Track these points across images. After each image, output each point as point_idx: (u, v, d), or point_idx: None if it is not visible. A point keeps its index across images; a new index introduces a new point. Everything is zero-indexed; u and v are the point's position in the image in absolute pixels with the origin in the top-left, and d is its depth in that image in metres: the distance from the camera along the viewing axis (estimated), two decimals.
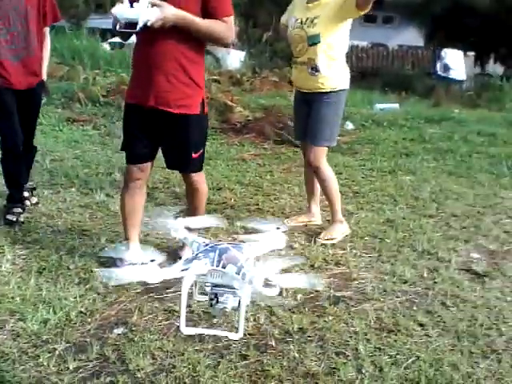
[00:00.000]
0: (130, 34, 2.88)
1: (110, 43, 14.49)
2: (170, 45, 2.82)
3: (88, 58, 10.34)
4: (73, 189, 4.52)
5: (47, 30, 3.83)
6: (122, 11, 2.67)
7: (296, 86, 3.90)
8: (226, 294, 2.51)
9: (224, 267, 2.50)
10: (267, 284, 2.45)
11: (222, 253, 2.52)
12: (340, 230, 3.85)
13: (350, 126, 7.24)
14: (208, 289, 2.54)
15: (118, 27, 2.72)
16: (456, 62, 16.29)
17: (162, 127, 2.99)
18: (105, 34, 14.05)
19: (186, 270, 2.44)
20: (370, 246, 3.71)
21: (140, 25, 2.65)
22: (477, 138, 7.08)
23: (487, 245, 3.85)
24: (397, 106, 8.85)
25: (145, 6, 2.66)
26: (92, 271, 3.09)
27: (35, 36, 3.67)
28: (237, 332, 2.59)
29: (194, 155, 3.07)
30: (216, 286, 2.50)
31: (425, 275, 3.31)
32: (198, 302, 2.90)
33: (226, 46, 3.15)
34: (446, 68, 15.37)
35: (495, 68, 14.43)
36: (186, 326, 2.52)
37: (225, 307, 2.57)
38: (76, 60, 10.21)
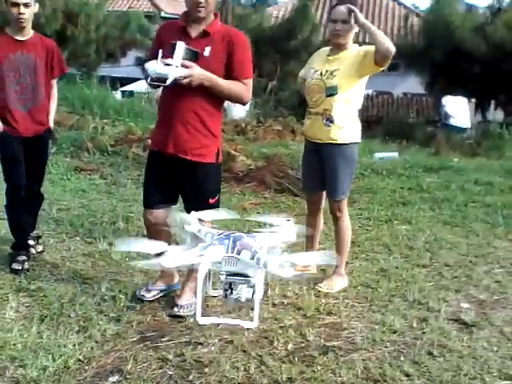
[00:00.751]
0: (159, 86, 3.15)
1: (120, 92, 14.91)
2: (191, 98, 3.12)
3: (98, 107, 10.62)
4: (77, 237, 4.68)
5: (54, 81, 4.07)
6: (155, 67, 2.95)
7: (307, 136, 4.00)
8: (239, 285, 2.66)
9: (239, 253, 2.65)
10: (282, 266, 2.58)
11: (236, 240, 2.68)
12: (340, 283, 3.97)
13: None
14: (223, 277, 2.68)
15: (149, 80, 3.02)
16: (459, 110, 16.52)
17: (179, 174, 3.26)
18: (115, 82, 14.49)
19: (202, 256, 2.59)
20: (363, 296, 3.82)
21: (169, 81, 2.94)
22: (474, 187, 7.21)
23: (477, 295, 3.94)
24: (396, 154, 9.02)
25: (177, 64, 2.95)
26: (91, 319, 3.23)
27: (43, 87, 3.92)
28: (251, 321, 2.72)
29: (211, 201, 3.31)
30: (230, 274, 2.65)
31: (414, 325, 3.41)
32: (213, 296, 3.07)
33: (243, 104, 3.43)
34: (447, 116, 15.62)
35: (495, 114, 14.65)
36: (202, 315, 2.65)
37: (239, 297, 2.71)
38: (86, 109, 10.50)
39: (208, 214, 3.03)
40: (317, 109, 3.81)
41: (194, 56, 3.03)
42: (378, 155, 8.66)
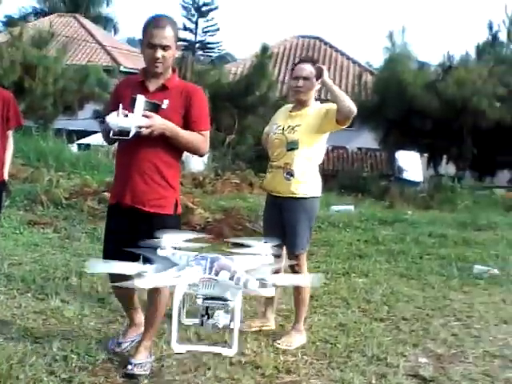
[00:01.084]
0: (121, 140, 3.12)
1: (76, 145, 14.81)
2: (149, 149, 3.12)
3: (53, 160, 10.51)
4: (29, 294, 4.52)
5: (10, 132, 4.02)
6: (116, 120, 2.95)
7: (268, 190, 4.03)
8: (217, 311, 2.57)
9: (217, 274, 2.58)
10: (263, 285, 2.52)
11: (214, 261, 2.62)
12: (299, 340, 3.91)
13: None
14: (199, 301, 2.59)
15: (111, 134, 3.01)
16: (411, 164, 16.98)
17: (137, 225, 3.19)
18: (71, 135, 14.40)
19: (179, 277, 2.51)
20: (321, 352, 3.77)
21: (132, 133, 2.95)
22: (428, 240, 7.33)
23: (435, 348, 3.94)
24: (352, 207, 9.16)
25: (137, 117, 2.96)
26: (41, 381, 3.09)
27: None
28: (230, 347, 2.62)
29: None
30: (207, 298, 2.56)
31: (373, 382, 3.37)
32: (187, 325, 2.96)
33: (200, 155, 3.45)
34: (400, 170, 16.01)
35: (447, 168, 15.08)
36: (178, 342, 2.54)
37: (217, 323, 2.62)
38: (41, 162, 10.37)
39: (182, 236, 2.99)
40: (278, 162, 3.85)
41: (155, 108, 3.06)
42: (334, 208, 8.76)
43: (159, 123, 3.04)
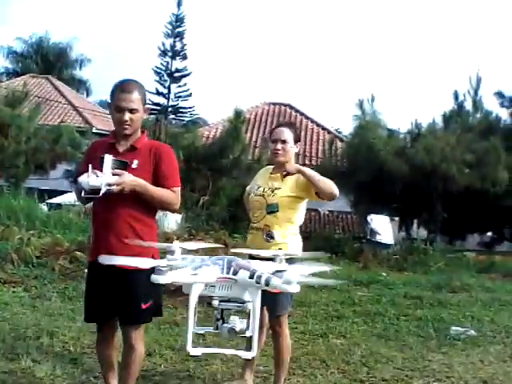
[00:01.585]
0: (93, 199, 3.18)
1: (47, 204, 14.63)
2: (122, 208, 3.17)
3: (24, 219, 10.32)
4: None
5: None
6: (87, 179, 3.00)
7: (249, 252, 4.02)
8: (232, 317, 2.45)
9: (235, 273, 2.46)
10: (287, 282, 2.39)
11: (231, 260, 2.52)
12: None
13: None
14: (215, 303, 2.47)
15: (83, 193, 3.08)
16: (383, 227, 17.17)
17: (114, 283, 3.18)
18: (43, 194, 14.24)
19: (195, 275, 2.39)
20: None
21: (103, 191, 2.99)
22: (404, 301, 7.33)
23: None
24: (327, 268, 9.11)
25: (107, 175, 3.03)
26: None
27: None
28: (249, 350, 2.47)
29: (143, 306, 3.22)
30: (223, 301, 2.44)
31: None
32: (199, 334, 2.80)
33: (172, 211, 3.46)
34: (373, 233, 16.16)
35: (419, 232, 15.26)
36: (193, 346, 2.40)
37: (233, 327, 2.49)
38: (12, 220, 10.18)
39: (192, 245, 2.93)
40: (258, 224, 3.86)
41: (123, 166, 3.13)
42: None
43: (129, 180, 3.10)
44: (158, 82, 40.43)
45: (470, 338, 5.77)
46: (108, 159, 3.06)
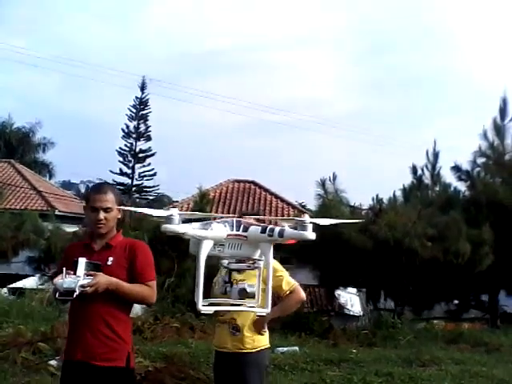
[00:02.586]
0: (68, 301, 3.26)
1: (8, 289, 14.30)
2: (98, 305, 3.24)
3: None
4: None
5: None
6: (61, 281, 3.08)
7: (216, 346, 3.98)
8: (239, 283, 2.32)
9: (246, 230, 2.34)
10: (303, 228, 2.26)
11: (240, 220, 2.39)
12: None
13: None
14: (225, 262, 2.33)
15: (57, 295, 3.14)
16: (351, 299, 17.21)
17: (89, 381, 3.20)
18: (3, 279, 13.91)
19: (206, 230, 2.25)
20: None
21: (76, 292, 3.06)
22: (375, 379, 7.26)
23: None
24: (296, 348, 9.05)
25: (81, 276, 3.10)
26: None
27: None
28: (265, 307, 2.33)
29: None
30: (232, 261, 2.31)
31: None
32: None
33: (149, 305, 3.47)
34: (340, 305, 16.17)
35: (386, 303, 15.29)
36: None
37: (244, 288, 2.36)
38: None
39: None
40: (223, 317, 3.85)
41: (97, 268, 3.21)
42: (279, 349, 8.62)
43: (102, 280, 3.18)
44: (122, 162, 40.74)
45: None
46: (82, 262, 3.16)
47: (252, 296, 2.70)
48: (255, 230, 2.49)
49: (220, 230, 2.46)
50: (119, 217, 3.49)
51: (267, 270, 2.63)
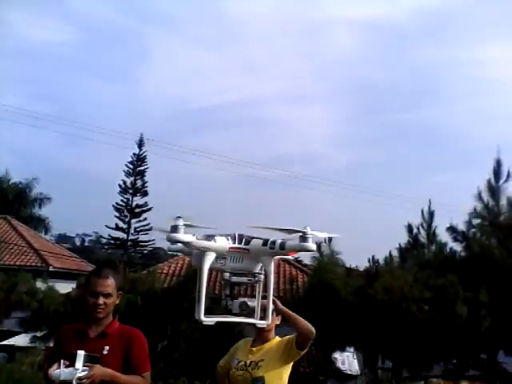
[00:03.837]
0: None
1: None
2: None
3: None
4: None
5: None
6: (58, 372, 3.10)
7: None
8: (239, 298, 2.23)
9: (248, 243, 2.25)
10: (304, 240, 2.16)
11: (242, 234, 2.31)
12: None
13: None
14: (226, 275, 2.22)
15: None
16: (347, 359, 16.98)
17: None
18: None
19: (209, 242, 2.16)
20: None
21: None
22: None
23: None
24: None
25: (79, 369, 3.11)
26: None
27: None
28: (263, 319, 2.22)
29: None
30: (234, 274, 2.21)
31: None
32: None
33: None
34: (338, 365, 15.96)
35: (385, 363, 15.06)
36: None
37: (245, 301, 2.26)
38: None
39: None
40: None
41: (95, 361, 3.20)
42: None
43: (99, 372, 3.18)
44: (118, 217, 40.78)
45: None
46: (80, 354, 3.16)
47: (252, 309, 2.71)
48: (257, 243, 2.54)
49: (223, 242, 2.50)
50: (117, 303, 3.47)
51: (268, 283, 2.66)
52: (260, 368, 3.78)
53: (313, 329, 3.73)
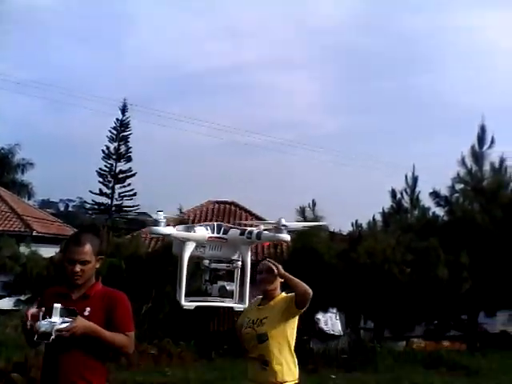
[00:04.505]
0: (43, 343, 3.21)
1: None
2: (73, 355, 3.23)
3: None
4: None
5: None
6: (38, 322, 3.09)
7: (250, 380, 4.16)
8: (218, 281, 2.35)
9: (226, 233, 2.37)
10: (279, 231, 2.27)
11: (221, 223, 2.44)
12: None
13: None
14: (206, 262, 2.33)
15: (35, 337, 3.09)
16: (330, 319, 17.25)
17: None
18: None
19: (189, 232, 2.28)
20: None
21: (53, 336, 3.06)
22: None
23: None
24: None
25: (57, 322, 3.10)
26: None
27: None
28: (241, 302, 2.35)
29: None
30: (213, 261, 2.32)
31: None
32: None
33: (126, 354, 3.44)
34: (321, 326, 16.19)
35: (367, 323, 15.31)
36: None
37: (224, 285, 2.38)
38: None
39: None
40: (253, 354, 4.05)
41: (72, 314, 3.18)
42: None
43: (81, 325, 3.16)
44: (101, 182, 40.49)
45: None
46: (57, 308, 3.16)
47: (231, 293, 2.83)
48: (234, 232, 2.65)
49: (202, 232, 2.60)
50: (98, 267, 3.46)
51: (245, 270, 2.76)
52: (264, 325, 4.03)
53: (310, 290, 3.96)
